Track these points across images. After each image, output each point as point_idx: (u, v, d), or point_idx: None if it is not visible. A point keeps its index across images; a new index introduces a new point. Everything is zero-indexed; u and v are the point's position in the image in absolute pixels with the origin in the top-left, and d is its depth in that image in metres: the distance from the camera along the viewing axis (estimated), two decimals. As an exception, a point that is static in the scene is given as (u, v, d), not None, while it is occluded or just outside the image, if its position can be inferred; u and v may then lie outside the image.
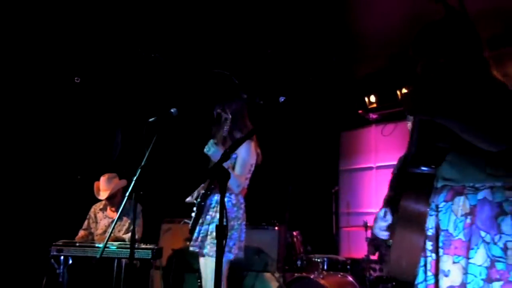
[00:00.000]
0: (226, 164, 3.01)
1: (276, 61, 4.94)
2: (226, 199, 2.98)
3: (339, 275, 4.24)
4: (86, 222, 4.62)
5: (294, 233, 4.70)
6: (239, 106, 3.23)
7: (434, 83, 1.90)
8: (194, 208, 3.19)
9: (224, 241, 1.61)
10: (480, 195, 1.81)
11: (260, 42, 4.77)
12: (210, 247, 3.01)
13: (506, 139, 1.74)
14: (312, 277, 4.05)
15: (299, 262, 4.48)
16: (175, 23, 4.63)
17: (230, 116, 3.11)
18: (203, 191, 3.16)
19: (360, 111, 6.31)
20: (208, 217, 3.11)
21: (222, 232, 1.65)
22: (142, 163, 2.87)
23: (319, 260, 4.40)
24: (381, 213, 2.06)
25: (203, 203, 3.14)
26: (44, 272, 4.09)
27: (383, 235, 2.04)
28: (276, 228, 4.82)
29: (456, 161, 1.85)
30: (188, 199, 3.33)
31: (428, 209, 1.79)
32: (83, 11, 4.35)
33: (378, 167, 6.23)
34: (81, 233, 4.52)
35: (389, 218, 2.02)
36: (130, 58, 4.89)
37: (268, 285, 4.67)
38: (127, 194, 2.86)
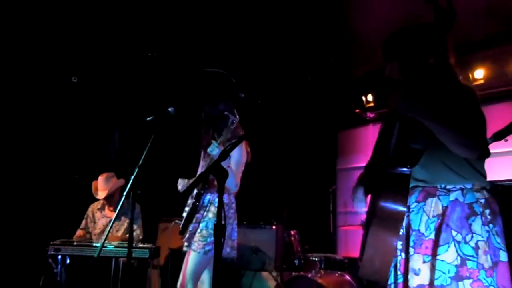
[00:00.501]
0: (225, 164, 3.03)
1: (274, 60, 4.94)
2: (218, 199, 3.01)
3: (337, 274, 4.25)
4: (84, 222, 4.61)
5: (292, 232, 4.70)
6: (228, 106, 3.22)
7: (408, 88, 1.94)
8: (186, 208, 3.20)
9: (222, 240, 1.61)
10: (452, 197, 1.87)
11: (259, 41, 4.77)
12: (197, 244, 3.03)
13: (480, 148, 1.80)
14: (309, 276, 4.06)
15: (296, 261, 4.49)
16: (172, 22, 4.64)
17: (236, 117, 3.12)
18: (197, 191, 3.15)
19: (357, 110, 6.32)
20: (198, 215, 3.12)
21: (220, 230, 1.65)
22: (140, 162, 2.87)
23: (316, 259, 4.41)
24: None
25: (197, 203, 3.14)
26: (41, 271, 4.08)
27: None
28: (274, 227, 4.83)
29: (427, 163, 1.90)
30: (180, 187, 3.29)
31: (405, 210, 1.81)
32: (80, 11, 4.34)
33: (376, 166, 6.23)
34: (79, 232, 4.52)
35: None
36: (127, 57, 4.89)
37: (265, 284, 4.68)
38: (124, 193, 2.86)
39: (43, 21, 4.41)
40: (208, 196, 3.16)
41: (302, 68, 4.81)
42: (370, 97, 6.19)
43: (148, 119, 2.96)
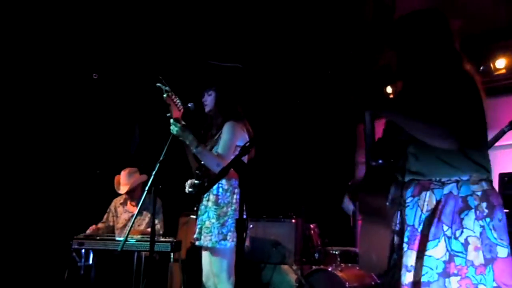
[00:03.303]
0: (215, 149, 3.02)
1: (294, 54, 4.92)
2: (216, 185, 2.96)
3: (357, 268, 4.24)
4: (105, 215, 4.69)
5: (311, 226, 4.70)
6: (221, 92, 3.18)
7: (406, 78, 1.91)
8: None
9: (244, 234, 1.62)
10: (446, 190, 1.80)
11: (279, 35, 4.75)
12: (204, 237, 2.94)
13: (456, 137, 1.72)
14: (330, 269, 4.05)
15: (316, 255, 4.49)
16: (190, 18, 4.65)
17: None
18: (201, 183, 3.08)
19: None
20: (202, 207, 3.06)
21: (242, 225, 1.66)
22: (161, 158, 2.91)
23: (336, 252, 4.40)
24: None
25: (194, 194, 3.10)
26: (66, 265, 4.16)
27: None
28: (293, 221, 4.83)
29: (421, 155, 1.84)
30: (189, 190, 3.21)
31: (386, 202, 1.79)
32: (102, 9, 4.39)
33: (395, 159, 6.17)
34: (98, 225, 4.58)
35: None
36: (147, 53, 4.93)
37: (286, 277, 4.70)
38: (146, 188, 2.91)
39: (66, 20, 4.47)
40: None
41: (322, 61, 4.78)
42: (389, 89, 6.13)
43: (168, 114, 2.99)
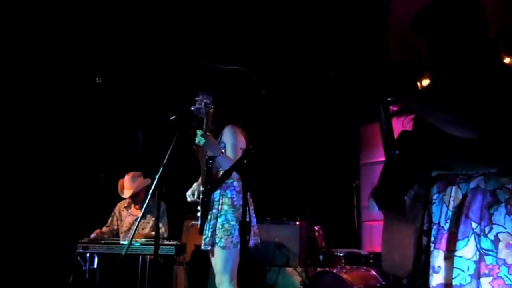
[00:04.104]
0: (218, 150, 3.04)
1: (296, 56, 4.92)
2: (229, 189, 3.03)
3: (362, 269, 4.23)
4: (110, 219, 4.70)
5: (316, 228, 4.70)
6: (218, 97, 3.20)
7: (433, 64, 1.82)
8: (199, 207, 3.15)
9: (248, 237, 1.63)
10: (473, 183, 1.69)
11: (281, 36, 4.75)
12: (224, 240, 2.97)
13: (480, 125, 1.61)
14: (334, 271, 4.05)
15: (321, 257, 4.48)
16: (194, 20, 4.66)
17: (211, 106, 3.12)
18: (203, 188, 3.12)
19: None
20: (214, 210, 3.08)
21: (245, 227, 1.67)
22: (164, 161, 2.91)
23: (341, 254, 4.39)
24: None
25: (206, 199, 3.10)
26: (70, 269, 4.17)
27: None
28: (297, 223, 4.82)
29: (446, 148, 1.72)
30: (190, 199, 3.30)
31: (404, 196, 1.69)
32: (106, 13, 4.41)
33: (399, 160, 6.16)
34: (103, 229, 4.59)
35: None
36: (151, 57, 4.94)
37: (290, 279, 4.68)
38: (150, 192, 2.92)
39: (70, 23, 4.50)
40: (218, 190, 3.12)
41: (324, 63, 4.78)
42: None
43: (171, 118, 3.00)
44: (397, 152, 1.77)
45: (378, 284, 4.08)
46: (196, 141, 2.94)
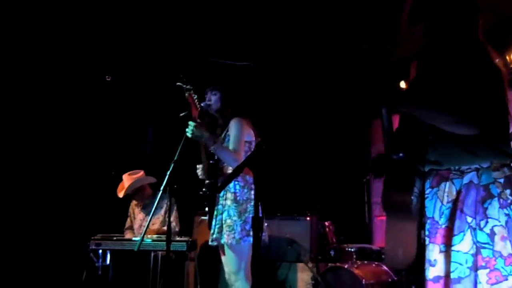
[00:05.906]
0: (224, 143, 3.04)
1: (308, 49, 4.89)
2: (233, 183, 2.98)
3: (373, 265, 4.22)
4: (128, 220, 4.73)
5: (326, 223, 4.68)
6: (227, 91, 3.20)
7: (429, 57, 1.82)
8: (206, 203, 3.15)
9: (260, 233, 1.62)
10: (466, 179, 1.73)
11: (293, 30, 4.73)
12: (226, 236, 2.94)
13: (476, 122, 1.65)
14: (346, 266, 4.04)
15: (332, 252, 4.47)
16: (204, 19, 4.66)
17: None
18: (208, 181, 3.12)
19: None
20: (219, 206, 3.06)
21: (257, 223, 1.66)
22: (175, 158, 2.92)
23: (352, 249, 4.38)
24: None
25: (208, 192, 3.11)
26: (83, 266, 4.20)
27: None
28: (308, 218, 4.81)
29: (439, 143, 1.76)
30: (202, 176, 3.26)
31: (411, 196, 1.73)
32: (116, 11, 4.42)
33: (410, 155, 6.12)
34: (125, 233, 4.61)
35: None
36: (161, 54, 4.95)
37: (301, 275, 4.68)
38: (161, 188, 2.93)
39: (80, 23, 4.52)
40: None
41: (336, 56, 4.75)
42: (402, 84, 6.07)
43: (181, 114, 3.01)
44: (400, 155, 1.79)
45: (389, 280, 4.06)
46: (188, 134, 2.92)
